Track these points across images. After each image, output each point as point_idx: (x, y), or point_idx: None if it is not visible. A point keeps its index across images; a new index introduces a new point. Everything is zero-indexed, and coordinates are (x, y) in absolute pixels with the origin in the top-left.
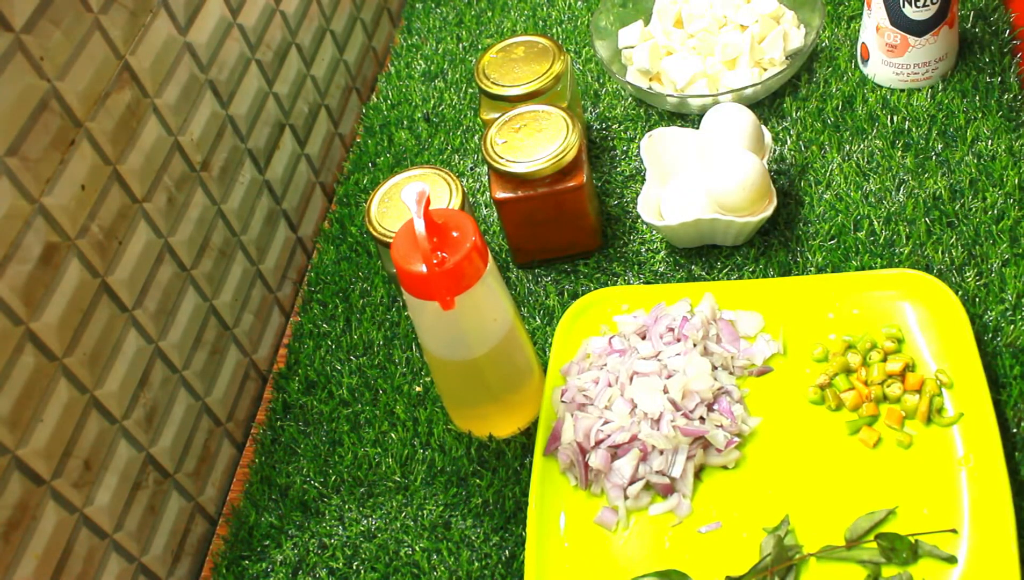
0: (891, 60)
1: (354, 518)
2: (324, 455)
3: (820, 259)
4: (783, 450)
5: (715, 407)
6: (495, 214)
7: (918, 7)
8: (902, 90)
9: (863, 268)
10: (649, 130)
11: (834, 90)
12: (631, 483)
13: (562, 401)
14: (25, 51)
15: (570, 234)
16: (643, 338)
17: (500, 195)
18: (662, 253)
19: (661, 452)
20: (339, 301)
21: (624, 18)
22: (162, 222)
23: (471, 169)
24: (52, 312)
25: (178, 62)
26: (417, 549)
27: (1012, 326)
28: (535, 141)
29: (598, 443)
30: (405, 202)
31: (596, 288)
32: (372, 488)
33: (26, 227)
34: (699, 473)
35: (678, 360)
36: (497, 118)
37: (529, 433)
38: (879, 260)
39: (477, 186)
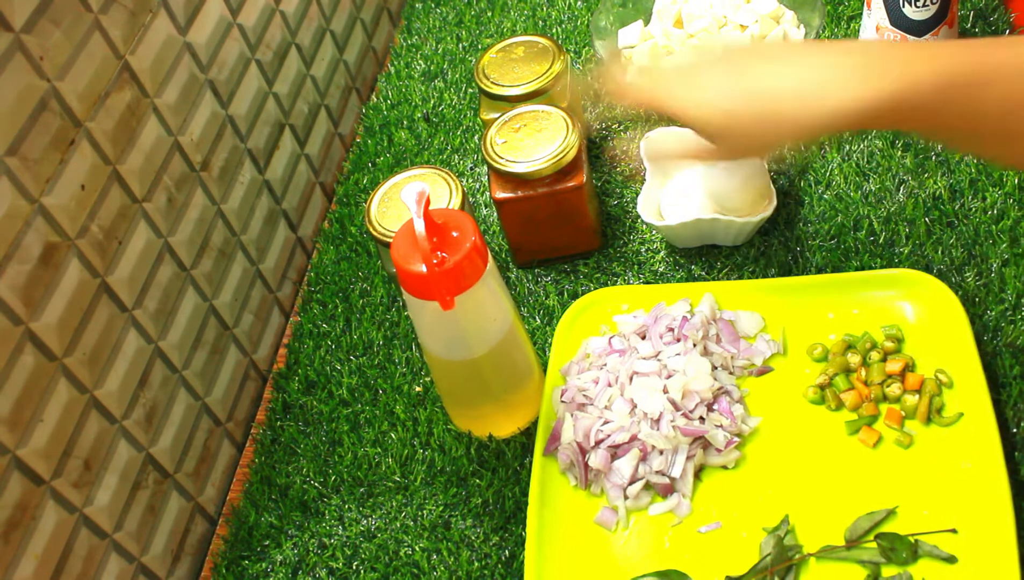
0: None
1: (354, 518)
2: (324, 455)
3: (820, 259)
4: (783, 450)
5: (715, 407)
6: (495, 214)
7: (918, 7)
8: None
9: (863, 268)
10: (649, 130)
11: None
12: (631, 483)
13: (562, 401)
14: (25, 51)
15: (570, 234)
16: (643, 338)
17: (500, 195)
18: (662, 253)
19: (661, 452)
20: (339, 301)
21: (624, 18)
22: (162, 222)
23: (471, 169)
24: (52, 312)
25: (178, 62)
26: (417, 549)
27: (1012, 326)
28: (535, 141)
29: (598, 443)
30: (405, 202)
31: (596, 288)
32: (372, 488)
33: (26, 227)
34: (699, 473)
35: (678, 360)
36: (497, 118)
37: (529, 433)
38: (879, 260)
39: (477, 186)
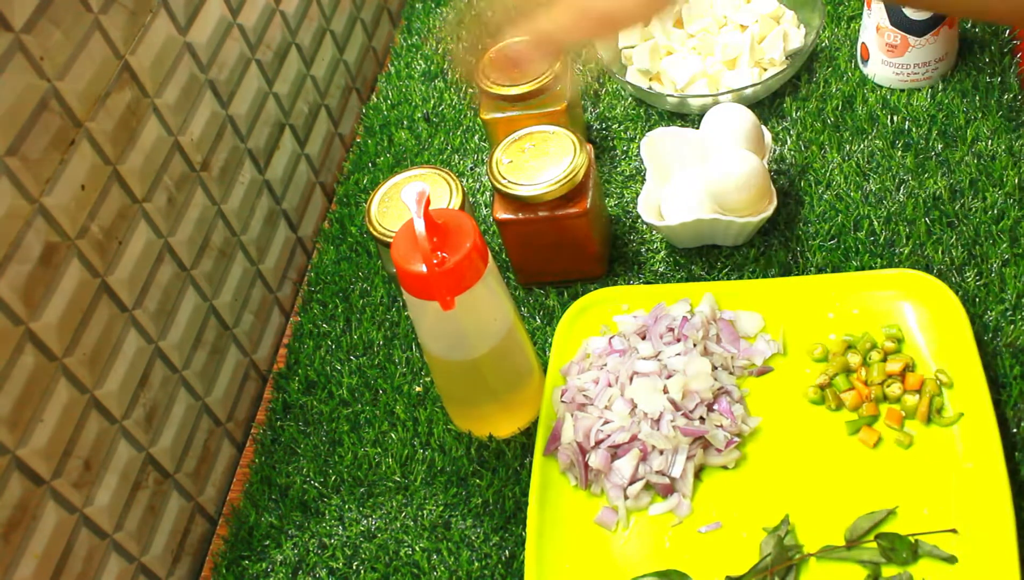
0: (891, 60)
1: (354, 518)
2: (324, 455)
3: (820, 259)
4: (783, 450)
5: (715, 407)
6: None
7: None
8: (902, 90)
9: (863, 268)
10: (649, 130)
11: (834, 90)
12: (631, 483)
13: (562, 401)
14: (25, 51)
15: (572, 260)
16: (643, 338)
17: (501, 216)
18: (662, 253)
19: (661, 452)
20: (339, 301)
21: None
22: (162, 222)
23: (471, 169)
24: (52, 312)
25: (178, 62)
26: (417, 549)
27: (1012, 326)
28: (541, 163)
29: (598, 443)
30: (405, 202)
31: (596, 288)
32: (372, 488)
33: (26, 227)
34: (699, 473)
35: (678, 360)
36: (499, 117)
37: (529, 433)
38: (879, 260)
39: (477, 186)
